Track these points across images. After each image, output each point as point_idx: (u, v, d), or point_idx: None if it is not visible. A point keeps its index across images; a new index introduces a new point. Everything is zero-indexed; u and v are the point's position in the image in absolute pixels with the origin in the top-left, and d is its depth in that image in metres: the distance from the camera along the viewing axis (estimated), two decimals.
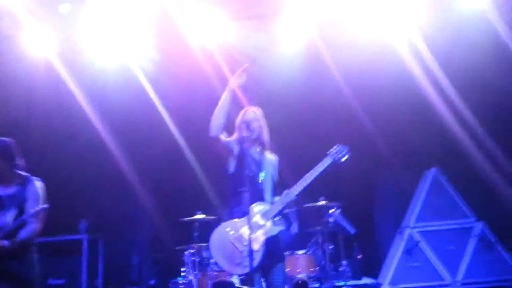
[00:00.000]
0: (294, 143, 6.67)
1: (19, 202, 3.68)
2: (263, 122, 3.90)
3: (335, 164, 3.79)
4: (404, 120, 7.00)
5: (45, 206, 3.69)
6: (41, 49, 6.49)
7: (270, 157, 3.91)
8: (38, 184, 3.82)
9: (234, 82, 3.79)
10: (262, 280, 3.58)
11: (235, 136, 3.88)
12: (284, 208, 3.76)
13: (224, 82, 6.42)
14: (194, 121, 6.65)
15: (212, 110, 3.79)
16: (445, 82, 6.77)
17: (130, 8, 6.33)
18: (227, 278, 2.45)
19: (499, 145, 6.89)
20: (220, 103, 3.75)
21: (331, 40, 6.69)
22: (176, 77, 6.79)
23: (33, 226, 3.66)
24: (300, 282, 2.39)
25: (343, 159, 3.83)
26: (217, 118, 3.72)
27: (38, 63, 6.56)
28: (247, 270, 3.44)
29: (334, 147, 3.86)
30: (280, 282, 3.57)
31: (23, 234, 3.60)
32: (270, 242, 3.60)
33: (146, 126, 6.98)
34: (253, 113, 3.90)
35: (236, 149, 3.80)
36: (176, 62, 6.70)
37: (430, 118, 6.96)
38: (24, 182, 3.76)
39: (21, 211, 3.65)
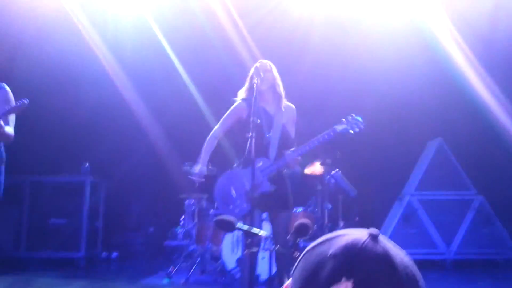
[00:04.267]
0: (306, 107, 6.61)
1: None
2: (276, 74, 3.84)
3: (345, 133, 3.71)
4: (413, 90, 6.91)
5: (18, 104, 3.41)
6: None
7: (288, 106, 3.87)
8: (8, 88, 3.56)
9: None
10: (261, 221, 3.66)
11: (244, 90, 3.83)
12: (282, 167, 3.73)
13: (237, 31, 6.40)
14: (206, 65, 6.62)
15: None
16: (458, 51, 6.62)
17: None
18: (230, 218, 2.47)
19: (506, 121, 6.82)
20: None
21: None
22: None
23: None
24: (302, 224, 2.41)
25: (354, 130, 3.73)
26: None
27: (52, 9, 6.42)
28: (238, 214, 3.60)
29: (350, 116, 3.77)
30: (282, 230, 3.63)
31: None
32: (280, 188, 3.65)
33: (154, 66, 6.88)
34: (267, 64, 3.83)
35: (244, 111, 3.78)
36: (189, 14, 6.57)
37: (439, 89, 6.87)
38: None
39: None
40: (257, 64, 3.81)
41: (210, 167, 5.74)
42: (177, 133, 7.01)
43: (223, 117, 3.93)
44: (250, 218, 3.27)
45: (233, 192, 3.74)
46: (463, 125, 6.91)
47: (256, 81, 3.58)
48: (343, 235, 0.95)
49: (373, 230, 0.95)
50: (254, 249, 2.91)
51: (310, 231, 2.80)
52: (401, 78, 6.80)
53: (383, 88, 6.88)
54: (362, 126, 3.74)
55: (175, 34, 6.60)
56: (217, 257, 5.69)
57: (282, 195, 3.72)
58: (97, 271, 6.48)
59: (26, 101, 3.45)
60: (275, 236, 3.49)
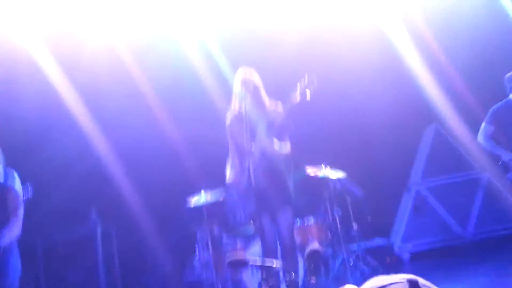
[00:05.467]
0: None
1: None
2: (258, 83, 3.98)
3: (304, 96, 3.83)
4: (399, 79, 6.92)
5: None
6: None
7: (271, 109, 4.05)
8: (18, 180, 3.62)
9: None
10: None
11: (231, 111, 4.06)
12: (266, 155, 3.90)
13: (214, 72, 6.46)
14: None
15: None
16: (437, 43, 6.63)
17: None
18: (241, 256, 2.47)
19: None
20: None
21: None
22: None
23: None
24: (313, 251, 2.42)
25: (311, 89, 3.85)
26: None
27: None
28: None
29: (302, 79, 3.92)
30: (287, 232, 3.68)
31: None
32: (275, 182, 3.85)
33: (142, 116, 6.94)
34: (243, 75, 4.03)
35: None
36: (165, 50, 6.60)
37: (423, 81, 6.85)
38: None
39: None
40: (237, 79, 3.99)
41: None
42: (174, 168, 7.02)
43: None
44: (259, 221, 3.34)
45: (236, 203, 3.89)
46: (454, 109, 6.87)
47: (243, 108, 3.67)
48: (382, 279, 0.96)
49: (411, 277, 0.96)
50: (271, 282, 2.91)
51: (322, 254, 2.82)
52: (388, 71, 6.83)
53: (371, 88, 6.91)
54: (315, 82, 3.87)
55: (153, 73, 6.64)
56: (239, 283, 5.68)
57: (279, 189, 3.79)
58: None
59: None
60: (281, 240, 3.53)
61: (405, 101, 7.06)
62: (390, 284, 0.96)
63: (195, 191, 5.91)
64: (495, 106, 5.08)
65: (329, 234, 5.90)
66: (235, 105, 4.10)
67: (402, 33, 6.53)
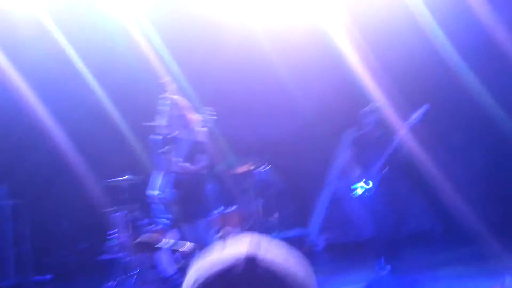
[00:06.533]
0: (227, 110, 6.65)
1: None
2: (177, 111, 4.28)
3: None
4: (320, 87, 7.12)
5: None
6: None
7: (194, 128, 4.42)
8: None
9: None
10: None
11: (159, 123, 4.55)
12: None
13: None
14: (120, 81, 6.49)
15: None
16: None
17: None
18: (153, 238, 2.50)
19: None
20: None
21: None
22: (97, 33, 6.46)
23: None
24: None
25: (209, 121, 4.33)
26: None
27: None
28: None
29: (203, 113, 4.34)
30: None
31: None
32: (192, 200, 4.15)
33: (67, 84, 6.63)
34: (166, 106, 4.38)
35: None
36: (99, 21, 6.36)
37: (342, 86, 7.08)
38: None
39: None
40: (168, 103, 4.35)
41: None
42: (95, 148, 6.81)
43: None
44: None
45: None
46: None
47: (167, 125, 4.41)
48: (219, 260, 0.83)
49: (249, 253, 0.82)
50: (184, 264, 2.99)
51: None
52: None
53: (302, 86, 7.08)
54: (213, 115, 4.37)
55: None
56: (154, 264, 5.64)
57: (196, 204, 4.31)
58: None
59: None
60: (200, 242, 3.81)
61: (328, 104, 7.26)
62: (223, 270, 0.81)
63: (118, 174, 5.85)
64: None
65: (250, 222, 6.04)
66: (160, 121, 4.44)
67: (339, 33, 6.66)
